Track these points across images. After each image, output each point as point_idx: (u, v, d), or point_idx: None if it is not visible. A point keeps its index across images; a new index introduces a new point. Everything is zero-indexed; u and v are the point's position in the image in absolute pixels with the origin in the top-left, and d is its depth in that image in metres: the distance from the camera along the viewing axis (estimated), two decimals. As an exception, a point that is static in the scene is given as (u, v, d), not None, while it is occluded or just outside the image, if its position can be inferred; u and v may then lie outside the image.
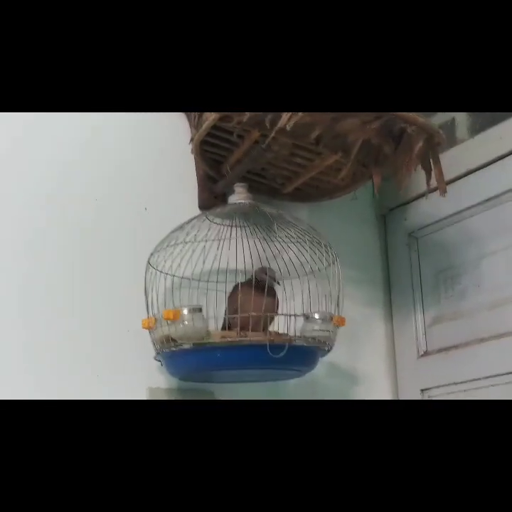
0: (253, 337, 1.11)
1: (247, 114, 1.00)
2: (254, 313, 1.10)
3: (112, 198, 1.31)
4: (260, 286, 1.14)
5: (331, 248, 1.22)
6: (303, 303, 1.21)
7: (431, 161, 1.08)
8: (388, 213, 1.55)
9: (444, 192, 1.11)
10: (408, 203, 1.49)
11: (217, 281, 1.25)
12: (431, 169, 1.11)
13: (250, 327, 1.10)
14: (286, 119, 0.93)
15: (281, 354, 1.08)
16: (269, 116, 1.00)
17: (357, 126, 1.00)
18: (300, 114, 0.93)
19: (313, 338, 1.16)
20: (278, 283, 1.20)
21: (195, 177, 1.38)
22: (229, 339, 1.11)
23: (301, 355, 1.16)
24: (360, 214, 1.55)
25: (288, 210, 1.38)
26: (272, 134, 1.00)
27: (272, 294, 1.16)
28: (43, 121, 1.26)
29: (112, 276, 1.28)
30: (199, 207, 1.36)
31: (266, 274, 1.15)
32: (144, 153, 1.37)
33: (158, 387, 1.27)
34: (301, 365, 1.17)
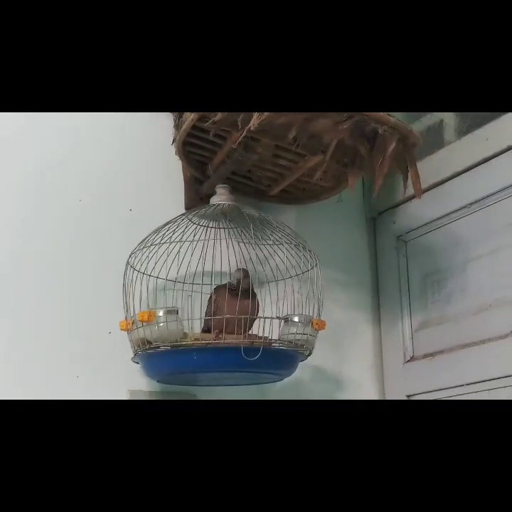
0: (229, 340, 1.10)
1: (219, 114, 0.99)
2: (228, 316, 1.09)
3: (97, 199, 1.31)
4: (236, 288, 1.13)
5: (312, 251, 1.21)
6: (286, 306, 1.20)
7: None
8: (378, 216, 1.54)
9: (419, 195, 1.10)
10: (397, 205, 1.48)
11: (201, 284, 1.22)
12: (407, 171, 1.09)
13: (223, 329, 1.09)
14: (256, 118, 0.92)
15: (256, 357, 1.06)
16: (241, 116, 0.99)
17: (329, 127, 0.99)
18: (266, 114, 0.91)
19: (291, 342, 1.15)
20: (254, 285, 1.18)
21: (182, 178, 1.38)
22: (203, 341, 1.10)
23: (277, 358, 1.15)
24: (349, 217, 1.54)
25: (276, 212, 1.38)
26: (244, 134, 1.00)
27: (248, 296, 1.14)
28: (30, 123, 1.27)
29: (95, 277, 1.27)
30: (185, 208, 1.35)
31: (240, 276, 1.14)
32: (130, 153, 1.37)
33: (140, 390, 1.26)
34: (278, 369, 1.16)
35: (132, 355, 1.17)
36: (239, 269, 1.17)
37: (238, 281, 1.14)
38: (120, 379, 1.24)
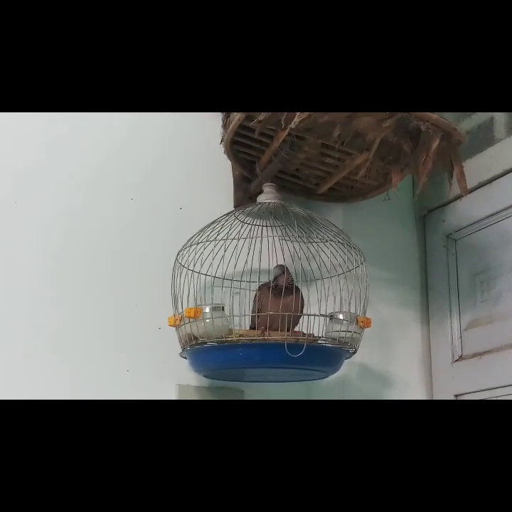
0: (274, 336, 1.11)
1: (263, 114, 1.01)
2: (272, 313, 1.10)
3: (147, 198, 1.35)
4: (278, 285, 1.14)
5: (358, 249, 1.21)
6: (332, 304, 1.20)
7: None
8: (427, 214, 1.52)
9: (465, 193, 1.09)
10: (447, 204, 1.46)
11: (249, 281, 1.25)
12: (452, 169, 1.08)
13: (268, 326, 1.10)
14: (298, 117, 0.93)
15: (300, 354, 1.07)
16: (284, 115, 1.00)
17: (372, 124, 0.99)
18: (307, 113, 0.92)
19: (335, 339, 1.15)
20: (296, 282, 1.19)
21: (231, 177, 1.40)
22: (248, 337, 1.11)
23: (321, 355, 1.15)
24: (398, 215, 1.52)
25: (324, 210, 1.39)
26: (287, 132, 1.00)
27: (292, 293, 1.15)
28: (81, 122, 1.31)
29: (146, 273, 1.31)
30: (234, 207, 1.37)
31: (278, 273, 1.15)
32: (181, 153, 1.40)
33: (188, 385, 1.28)
34: (322, 366, 1.16)
35: (180, 351, 1.20)
36: (276, 266, 1.19)
37: (275, 278, 1.16)
38: (169, 374, 1.27)
